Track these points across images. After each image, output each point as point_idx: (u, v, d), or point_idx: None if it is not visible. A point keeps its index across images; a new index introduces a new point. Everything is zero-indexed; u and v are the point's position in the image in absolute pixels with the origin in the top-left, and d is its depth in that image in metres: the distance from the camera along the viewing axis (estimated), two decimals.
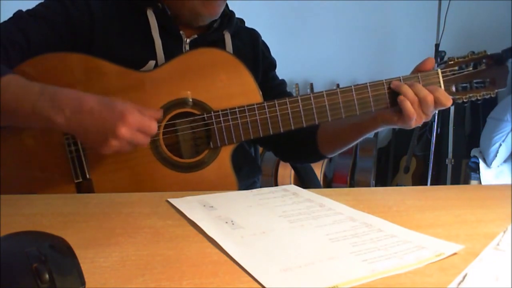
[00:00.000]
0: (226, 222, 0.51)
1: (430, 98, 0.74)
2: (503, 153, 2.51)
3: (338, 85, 3.04)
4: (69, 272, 0.32)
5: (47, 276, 0.30)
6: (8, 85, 0.69)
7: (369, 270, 0.37)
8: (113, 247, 0.43)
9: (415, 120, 0.76)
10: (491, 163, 2.54)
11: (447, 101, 0.75)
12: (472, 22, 3.00)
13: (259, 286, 0.35)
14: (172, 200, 0.60)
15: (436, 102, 0.75)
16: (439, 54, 2.47)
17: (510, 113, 2.46)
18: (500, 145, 2.49)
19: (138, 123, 0.68)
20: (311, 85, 3.03)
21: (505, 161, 2.56)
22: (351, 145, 0.91)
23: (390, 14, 3.08)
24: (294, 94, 2.97)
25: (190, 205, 0.58)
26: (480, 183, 2.55)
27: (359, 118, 0.83)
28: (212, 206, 0.58)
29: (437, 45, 2.49)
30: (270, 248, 0.43)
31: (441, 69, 0.79)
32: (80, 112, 0.67)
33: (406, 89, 0.75)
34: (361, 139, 0.88)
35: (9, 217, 0.53)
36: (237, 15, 0.99)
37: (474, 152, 2.69)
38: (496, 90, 0.80)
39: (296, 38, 3.06)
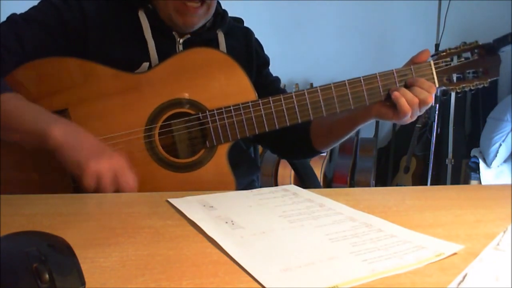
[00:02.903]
0: (226, 222, 0.51)
1: (430, 99, 0.76)
2: (503, 153, 2.51)
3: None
4: (69, 272, 0.32)
5: (47, 276, 0.30)
6: (6, 105, 0.70)
7: (369, 270, 0.37)
8: (113, 247, 0.43)
9: (410, 117, 0.77)
10: (491, 163, 2.54)
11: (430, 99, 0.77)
12: (472, 22, 3.00)
13: (259, 286, 0.35)
14: (172, 200, 0.60)
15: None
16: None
17: (510, 113, 2.46)
18: (500, 145, 2.49)
19: (114, 174, 0.68)
20: (311, 85, 3.03)
21: (505, 161, 2.56)
22: (344, 139, 0.91)
23: (390, 14, 3.08)
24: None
25: (190, 205, 0.58)
26: (480, 183, 2.55)
27: (352, 110, 0.83)
28: (212, 206, 0.58)
29: (437, 45, 2.49)
30: (270, 248, 0.43)
31: (433, 60, 0.80)
32: (76, 132, 0.69)
33: (403, 101, 0.76)
34: (354, 131, 0.88)
35: (9, 217, 0.53)
36: (237, 15, 0.99)
37: (474, 152, 2.69)
38: (489, 80, 0.81)
39: (296, 38, 3.06)
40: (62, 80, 0.78)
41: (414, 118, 0.79)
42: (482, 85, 0.81)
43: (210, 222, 0.51)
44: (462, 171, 2.82)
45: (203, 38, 0.89)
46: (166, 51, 0.84)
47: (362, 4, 3.04)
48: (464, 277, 0.36)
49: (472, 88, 0.81)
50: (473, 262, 0.39)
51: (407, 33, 3.07)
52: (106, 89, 0.78)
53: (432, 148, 2.50)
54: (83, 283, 0.33)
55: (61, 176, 0.77)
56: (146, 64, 0.82)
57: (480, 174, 2.57)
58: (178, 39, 0.87)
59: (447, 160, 2.71)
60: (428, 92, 0.76)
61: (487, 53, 0.80)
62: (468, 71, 0.80)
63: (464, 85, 0.80)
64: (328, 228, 0.49)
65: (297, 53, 3.02)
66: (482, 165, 2.58)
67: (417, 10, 3.01)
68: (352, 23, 3.08)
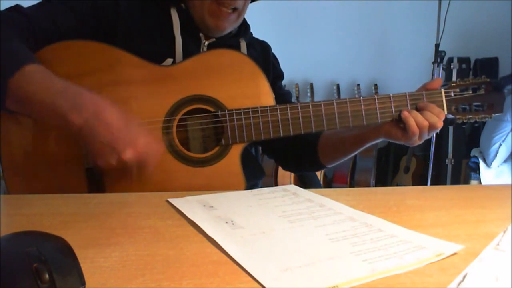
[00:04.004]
0: (226, 222, 0.51)
1: (439, 124, 0.78)
2: (503, 153, 2.51)
3: (338, 86, 3.04)
4: (69, 272, 0.32)
5: (47, 276, 0.30)
6: (32, 76, 0.69)
7: (369, 270, 0.37)
8: (113, 247, 0.43)
9: (418, 139, 0.80)
10: (491, 163, 2.54)
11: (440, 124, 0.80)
12: (472, 22, 3.00)
13: (259, 286, 0.35)
14: (172, 200, 0.60)
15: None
16: (439, 54, 2.48)
17: (510, 113, 2.46)
18: (500, 145, 2.49)
19: (145, 149, 0.68)
20: (311, 85, 3.03)
21: (505, 161, 2.56)
22: (352, 155, 0.93)
23: (390, 14, 3.08)
24: (294, 94, 2.94)
25: (190, 205, 0.58)
26: (480, 183, 2.55)
27: (362, 129, 0.85)
28: (212, 206, 0.58)
29: (437, 45, 2.49)
30: (270, 248, 0.43)
31: (444, 89, 0.83)
32: (97, 120, 0.66)
33: (412, 121, 0.78)
34: (362, 148, 0.90)
35: (9, 217, 0.53)
36: None
37: (474, 152, 2.69)
38: (493, 114, 0.85)
39: (296, 38, 3.06)
40: (88, 63, 0.79)
41: (422, 141, 0.82)
42: (486, 119, 0.85)
43: (210, 222, 0.51)
44: (462, 171, 2.82)
45: (227, 43, 0.92)
46: (191, 50, 0.86)
47: (362, 4, 3.04)
48: (464, 277, 0.36)
49: (477, 120, 0.85)
50: (473, 262, 0.39)
51: (407, 33, 3.07)
52: (130, 76, 0.80)
53: (432, 148, 2.50)
54: (83, 283, 0.33)
55: (74, 160, 0.78)
56: (169, 60, 0.84)
57: (480, 174, 2.57)
58: (204, 41, 0.90)
59: (447, 160, 2.71)
60: (438, 117, 0.79)
61: (493, 89, 0.84)
62: (474, 104, 0.85)
63: (470, 116, 0.85)
64: (328, 228, 0.49)
65: (297, 53, 3.02)
66: (482, 165, 2.58)
67: (417, 10, 3.01)
68: (352, 23, 3.08)
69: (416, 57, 2.96)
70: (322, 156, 0.95)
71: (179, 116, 0.80)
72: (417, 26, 3.02)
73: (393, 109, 0.82)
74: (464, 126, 0.89)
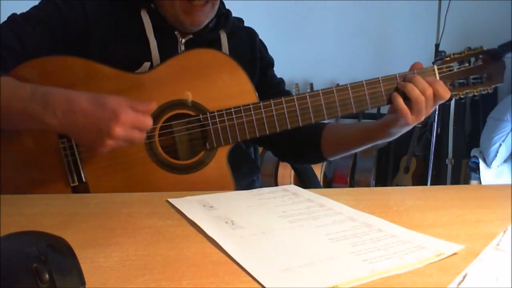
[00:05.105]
0: (226, 222, 0.51)
1: (429, 91, 0.74)
2: (503, 153, 2.51)
3: (337, 85, 3.04)
4: (69, 272, 0.32)
5: (47, 276, 0.30)
6: (0, 87, 0.68)
7: (369, 270, 0.37)
8: (113, 247, 0.43)
9: (415, 117, 0.75)
10: (491, 163, 2.54)
11: (446, 93, 0.75)
12: (472, 22, 3.00)
13: (259, 286, 0.35)
14: (172, 200, 0.60)
15: (435, 95, 0.74)
16: (439, 54, 2.48)
17: (510, 113, 2.45)
18: (500, 145, 2.49)
19: (132, 121, 0.67)
20: (311, 85, 3.03)
21: (505, 161, 2.56)
22: (355, 151, 0.91)
23: (390, 14, 3.08)
24: (294, 94, 2.96)
25: (190, 205, 0.58)
26: (480, 183, 2.55)
27: (367, 124, 0.83)
28: (212, 206, 0.58)
29: (437, 45, 2.49)
30: (270, 248, 0.43)
31: (437, 66, 0.79)
32: (72, 113, 0.66)
33: (411, 88, 0.74)
34: (368, 146, 0.87)
35: (9, 217, 0.53)
36: (236, 15, 0.99)
37: (474, 152, 2.69)
38: (493, 86, 0.79)
39: (296, 38, 3.06)
40: (62, 79, 0.77)
41: (421, 119, 0.76)
42: (486, 91, 0.79)
43: (210, 222, 0.51)
44: (462, 171, 2.82)
45: (205, 38, 0.89)
46: (168, 51, 0.84)
47: (362, 4, 3.04)
48: (464, 277, 0.36)
49: (476, 94, 0.80)
50: (473, 262, 0.39)
51: (407, 33, 3.07)
52: (106, 89, 0.78)
53: (432, 148, 2.50)
54: (83, 283, 0.33)
55: (59, 178, 0.77)
56: (147, 64, 0.82)
57: (480, 174, 2.57)
58: (180, 39, 0.87)
59: (447, 160, 2.71)
60: (428, 83, 0.74)
61: (492, 58, 0.78)
62: (472, 76, 0.79)
63: (467, 90, 0.79)
64: (328, 228, 0.49)
65: (297, 53, 3.02)
66: (482, 165, 2.58)
67: (417, 10, 3.01)
68: (352, 23, 3.08)
69: (416, 57, 2.95)
70: (325, 149, 0.93)
71: (159, 124, 0.78)
72: (417, 26, 3.01)
73: (383, 93, 0.78)
74: (463, 101, 0.83)
